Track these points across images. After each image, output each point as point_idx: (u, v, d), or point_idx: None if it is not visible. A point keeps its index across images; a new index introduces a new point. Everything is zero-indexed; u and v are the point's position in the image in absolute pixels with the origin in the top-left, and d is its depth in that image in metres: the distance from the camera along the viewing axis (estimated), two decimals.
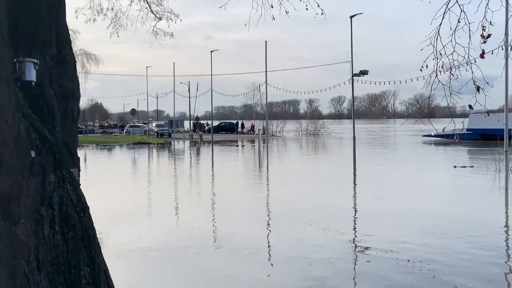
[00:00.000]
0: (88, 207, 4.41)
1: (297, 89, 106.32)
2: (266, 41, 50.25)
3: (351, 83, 41.05)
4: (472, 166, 25.72)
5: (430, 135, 54.21)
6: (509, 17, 5.08)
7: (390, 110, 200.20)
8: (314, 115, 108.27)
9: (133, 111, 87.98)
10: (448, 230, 12.03)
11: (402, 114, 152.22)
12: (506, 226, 12.85)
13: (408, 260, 9.41)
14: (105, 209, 14.28)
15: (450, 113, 5.72)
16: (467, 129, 44.91)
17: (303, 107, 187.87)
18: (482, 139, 46.28)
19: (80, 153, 33.91)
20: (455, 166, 26.05)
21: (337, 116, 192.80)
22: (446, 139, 49.23)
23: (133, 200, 17.62)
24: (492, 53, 5.78)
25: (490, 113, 5.53)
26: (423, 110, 6.74)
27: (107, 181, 23.58)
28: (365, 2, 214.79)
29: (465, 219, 13.42)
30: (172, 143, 55.89)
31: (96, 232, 4.46)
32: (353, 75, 36.80)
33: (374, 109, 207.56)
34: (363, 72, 38.80)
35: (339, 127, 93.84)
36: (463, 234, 11.60)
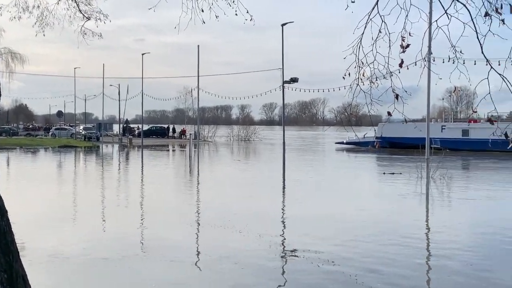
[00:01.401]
0: (6, 211, 4.26)
1: (229, 95, 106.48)
2: (198, 46, 50.04)
3: (281, 90, 41.68)
4: (400, 173, 26.65)
5: (342, 143, 55.94)
6: (428, 28, 5.31)
7: (320, 117, 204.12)
8: (246, 121, 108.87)
9: (59, 113, 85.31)
10: (374, 233, 12.42)
11: (331, 122, 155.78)
12: (427, 227, 13.41)
13: (333, 262, 9.63)
14: (27, 214, 13.80)
15: (371, 120, 5.93)
16: (376, 137, 46.67)
17: (235, 113, 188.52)
18: (391, 147, 48.23)
19: (2, 156, 32.61)
20: (384, 173, 26.92)
21: (269, 122, 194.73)
22: (360, 146, 51.13)
23: (57, 204, 17.10)
24: (416, 64, 6.05)
25: (394, 122, 5.76)
26: (350, 118, 6.93)
27: (30, 185, 22.74)
28: (297, 10, 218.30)
29: (391, 223, 13.90)
30: (100, 147, 54.61)
31: (16, 237, 4.32)
32: (284, 82, 37.32)
33: (305, 116, 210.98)
34: (294, 80, 39.49)
35: (270, 133, 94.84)
36: (390, 237, 12.00)
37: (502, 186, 22.66)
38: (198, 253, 10.78)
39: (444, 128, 48.94)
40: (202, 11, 7.43)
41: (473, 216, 15.55)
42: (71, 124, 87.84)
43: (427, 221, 14.68)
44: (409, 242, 11.51)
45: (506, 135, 4.51)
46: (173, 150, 53.84)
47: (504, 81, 4.43)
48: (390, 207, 16.79)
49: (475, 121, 52.35)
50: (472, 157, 39.82)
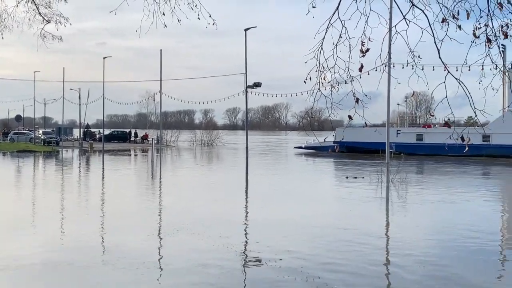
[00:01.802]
0: None
1: (192, 99, 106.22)
2: (161, 50, 49.82)
3: (245, 95, 41.72)
4: (363, 177, 26.94)
5: (301, 147, 56.49)
6: (387, 33, 5.39)
7: (283, 122, 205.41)
8: (209, 125, 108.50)
9: (18, 118, 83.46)
10: (333, 238, 12.52)
11: (294, 126, 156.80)
12: (387, 230, 13.61)
13: (295, 268, 9.66)
14: None
15: (332, 125, 5.98)
16: (334, 142, 47.43)
17: (198, 117, 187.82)
18: (348, 151, 49.00)
19: None
20: (347, 177, 27.21)
21: (232, 127, 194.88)
22: (319, 151, 51.80)
23: (15, 210, 16.67)
24: (376, 70, 6.14)
25: (352, 127, 5.83)
26: (311, 122, 6.96)
27: None
28: (260, 16, 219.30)
29: (351, 226, 14.03)
30: (60, 152, 53.57)
31: None
32: (247, 87, 37.40)
33: (268, 121, 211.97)
34: (257, 84, 39.68)
35: (233, 138, 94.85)
36: (349, 240, 12.11)
37: (457, 190, 23.16)
38: (161, 257, 10.65)
39: (399, 133, 49.82)
40: (164, 14, 7.38)
41: (430, 219, 15.83)
42: (30, 129, 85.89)
43: (387, 225, 14.87)
44: (368, 245, 11.64)
45: (462, 138, 4.61)
46: (135, 155, 53.22)
47: (460, 85, 4.53)
48: (350, 211, 16.97)
49: (429, 126, 53.65)
50: (432, 162, 40.62)
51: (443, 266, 9.95)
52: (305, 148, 55.76)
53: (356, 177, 26.96)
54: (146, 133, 78.45)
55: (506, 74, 5.81)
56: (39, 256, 10.51)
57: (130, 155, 53.10)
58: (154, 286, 8.77)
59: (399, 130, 50.38)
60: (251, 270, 9.66)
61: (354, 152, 47.87)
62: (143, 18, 7.31)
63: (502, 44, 4.87)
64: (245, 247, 11.69)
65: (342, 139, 46.22)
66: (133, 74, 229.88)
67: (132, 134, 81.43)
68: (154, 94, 66.11)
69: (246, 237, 12.95)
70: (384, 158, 21.33)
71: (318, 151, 52.77)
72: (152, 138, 54.82)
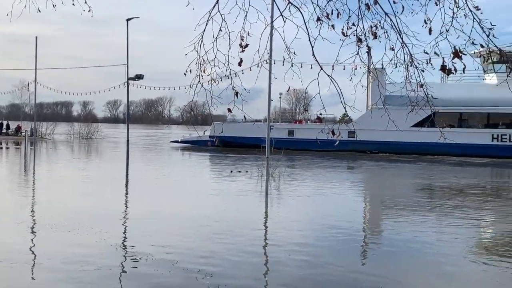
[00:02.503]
0: None
1: (70, 90, 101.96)
2: (36, 37, 47.13)
3: (126, 87, 40.75)
4: (247, 171, 27.33)
5: (177, 141, 56.51)
6: (265, 29, 5.52)
7: (166, 116, 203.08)
8: (88, 118, 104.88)
9: None
10: (211, 230, 12.64)
11: (177, 120, 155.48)
12: (265, 223, 13.96)
13: (176, 261, 9.63)
14: None
15: (211, 119, 6.03)
16: (210, 136, 48.05)
17: (76, 110, 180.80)
18: (224, 146, 49.88)
19: None
20: (231, 171, 27.49)
21: (113, 120, 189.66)
22: (196, 145, 52.21)
23: None
24: (258, 66, 6.26)
25: (230, 122, 5.95)
26: (192, 116, 6.96)
27: None
28: (145, 6, 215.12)
29: (230, 221, 14.23)
30: None
31: None
32: (129, 78, 36.59)
33: (150, 115, 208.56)
34: (139, 76, 38.92)
35: (114, 131, 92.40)
36: (229, 234, 12.28)
37: (328, 184, 24.32)
38: (35, 254, 10.13)
39: (272, 128, 51.08)
40: None
41: (304, 211, 16.48)
42: None
43: (265, 217, 15.26)
44: (245, 237, 11.90)
45: (333, 133, 4.85)
46: (7, 148, 50.06)
47: (332, 82, 4.76)
48: (230, 205, 17.20)
49: (300, 121, 55.85)
50: (305, 156, 42.20)
51: (316, 256, 10.43)
52: (181, 142, 55.53)
53: (240, 171, 27.35)
54: (19, 125, 74.02)
55: (371, 74, 6.21)
56: None
57: (1, 148, 49.89)
58: (28, 283, 8.35)
59: (272, 126, 51.53)
60: (128, 266, 9.48)
61: (232, 146, 48.53)
62: (15, 2, 6.92)
63: (367, 46, 5.20)
64: (122, 242, 11.45)
65: (221, 132, 46.74)
66: (6, 62, 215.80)
67: (4, 126, 76.44)
68: (28, 83, 62.64)
69: (123, 232, 12.69)
70: (264, 153, 21.84)
71: (195, 145, 52.85)
72: (26, 130, 51.82)
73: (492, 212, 17.33)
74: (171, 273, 8.92)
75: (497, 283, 9.12)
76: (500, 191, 24.01)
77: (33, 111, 57.17)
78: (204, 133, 45.54)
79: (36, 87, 49.74)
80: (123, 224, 13.59)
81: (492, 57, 5.74)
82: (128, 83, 39.43)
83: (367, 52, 5.30)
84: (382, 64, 5.50)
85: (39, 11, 7.07)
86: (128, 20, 35.23)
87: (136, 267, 9.34)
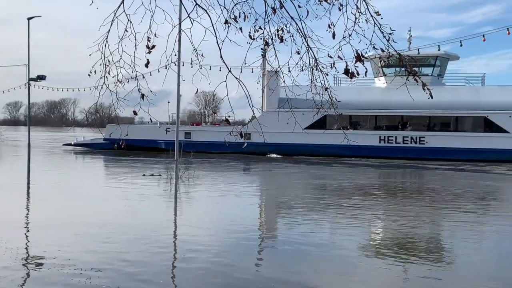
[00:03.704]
0: None
1: None
2: None
3: (27, 88, 38.97)
4: (160, 174, 26.83)
5: (70, 144, 54.74)
6: (172, 32, 5.46)
7: (70, 118, 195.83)
8: None
9: None
10: (120, 236, 12.35)
11: (82, 123, 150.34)
12: (174, 226, 13.83)
13: (82, 269, 9.31)
14: None
15: (117, 120, 5.89)
16: (104, 139, 46.98)
17: None
18: (118, 148, 48.74)
19: None
20: (144, 174, 26.90)
21: (13, 122, 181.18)
22: (91, 148, 50.98)
23: None
24: (166, 68, 6.17)
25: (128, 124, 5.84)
26: (97, 118, 6.75)
27: None
28: (48, 5, 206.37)
29: (137, 224, 13.97)
30: None
31: None
32: (30, 79, 35.00)
33: (54, 117, 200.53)
34: (41, 77, 37.34)
35: (14, 134, 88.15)
36: (138, 237, 12.05)
37: (231, 186, 24.46)
38: None
39: (169, 131, 50.52)
40: None
41: (210, 213, 16.50)
42: None
43: (174, 220, 15.12)
44: (153, 240, 11.74)
45: (241, 135, 4.88)
46: None
47: (240, 84, 4.79)
48: (138, 208, 16.86)
49: (198, 124, 56.00)
50: (208, 159, 42.17)
51: (222, 257, 10.48)
52: (75, 145, 53.56)
53: (153, 175, 26.87)
54: None
55: (265, 76, 6.31)
56: None
57: None
58: None
59: (169, 128, 50.87)
60: (33, 275, 9.04)
61: (132, 149, 47.30)
62: None
63: (261, 49, 5.29)
64: (26, 250, 10.91)
65: (126, 135, 45.50)
66: None
67: None
68: None
69: (26, 240, 12.09)
70: (173, 156, 21.63)
71: (91, 148, 51.32)
72: None
73: (383, 210, 18.06)
74: (79, 281, 8.61)
75: (391, 278, 9.56)
76: (391, 190, 25.21)
77: None
78: (110, 136, 44.16)
79: None
80: (25, 233, 12.95)
81: (391, 61, 6.01)
82: (29, 84, 37.71)
83: (262, 55, 5.40)
84: (276, 68, 5.55)
85: None
86: (29, 19, 33.71)
87: (41, 277, 8.92)
